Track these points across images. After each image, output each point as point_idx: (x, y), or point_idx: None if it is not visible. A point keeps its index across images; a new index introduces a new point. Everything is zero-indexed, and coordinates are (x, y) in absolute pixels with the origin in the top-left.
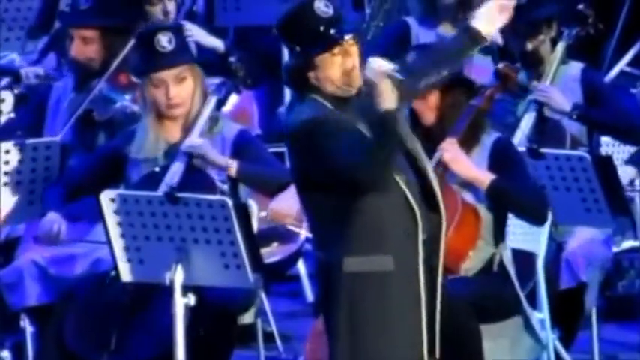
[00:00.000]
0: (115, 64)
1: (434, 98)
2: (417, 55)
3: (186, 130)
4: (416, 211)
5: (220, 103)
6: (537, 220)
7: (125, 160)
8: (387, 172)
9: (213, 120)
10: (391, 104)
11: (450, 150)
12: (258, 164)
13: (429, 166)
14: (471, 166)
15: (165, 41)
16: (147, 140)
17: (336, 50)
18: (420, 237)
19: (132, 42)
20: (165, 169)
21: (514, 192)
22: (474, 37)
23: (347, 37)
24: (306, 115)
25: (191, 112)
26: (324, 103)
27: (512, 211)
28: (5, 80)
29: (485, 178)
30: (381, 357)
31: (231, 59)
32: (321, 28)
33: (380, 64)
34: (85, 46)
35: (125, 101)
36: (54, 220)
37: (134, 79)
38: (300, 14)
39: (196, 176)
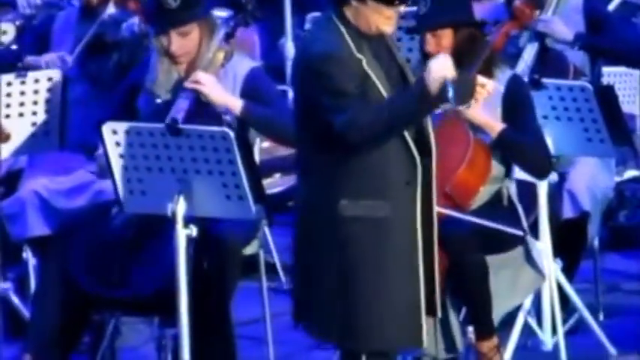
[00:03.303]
0: None
1: (447, 39)
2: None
3: (194, 64)
4: (417, 159)
5: (228, 36)
6: (539, 176)
7: (139, 89)
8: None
9: (226, 54)
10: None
11: None
12: (266, 106)
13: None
14: (481, 112)
15: None
16: (159, 72)
17: (393, 10)
18: (420, 185)
19: None
20: (171, 103)
21: (521, 146)
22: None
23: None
24: (323, 46)
25: (198, 58)
26: (346, 39)
27: (515, 162)
28: (10, 14)
29: (495, 125)
30: (377, 298)
31: None
32: None
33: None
34: None
35: (133, 19)
36: None
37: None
38: None
39: (203, 109)
